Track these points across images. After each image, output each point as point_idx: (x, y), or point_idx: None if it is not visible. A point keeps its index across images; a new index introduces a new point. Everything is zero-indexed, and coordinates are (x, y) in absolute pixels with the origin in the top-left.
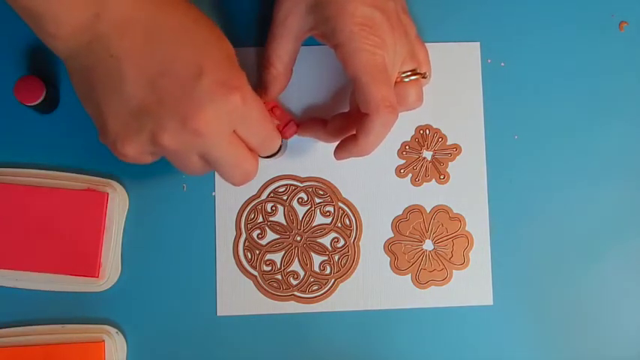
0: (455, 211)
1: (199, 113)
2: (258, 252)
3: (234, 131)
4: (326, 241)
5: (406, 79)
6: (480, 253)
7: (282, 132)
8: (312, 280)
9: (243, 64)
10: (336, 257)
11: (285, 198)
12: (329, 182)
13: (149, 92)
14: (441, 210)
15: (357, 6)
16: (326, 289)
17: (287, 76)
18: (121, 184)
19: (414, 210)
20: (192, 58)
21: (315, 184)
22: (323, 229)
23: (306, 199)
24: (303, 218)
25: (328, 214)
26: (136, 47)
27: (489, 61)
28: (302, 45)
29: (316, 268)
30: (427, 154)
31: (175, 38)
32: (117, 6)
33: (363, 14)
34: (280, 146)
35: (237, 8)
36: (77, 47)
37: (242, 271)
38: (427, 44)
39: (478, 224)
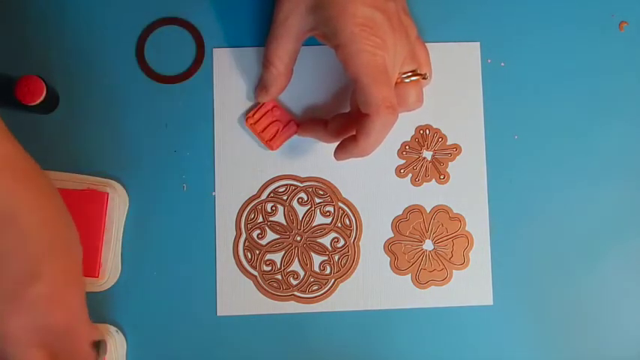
0: (455, 211)
1: (14, 315)
2: (258, 252)
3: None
4: (326, 241)
5: (407, 80)
6: (480, 253)
7: (282, 132)
8: (312, 280)
9: (243, 64)
10: (336, 257)
11: (285, 198)
12: (329, 182)
13: None
14: (441, 210)
15: (357, 7)
16: (326, 289)
17: (287, 76)
18: (121, 184)
19: (414, 210)
20: (36, 262)
21: (315, 184)
22: (323, 229)
23: (306, 199)
24: (303, 218)
25: (328, 214)
26: None
27: (489, 61)
28: (302, 45)
29: (316, 268)
30: (427, 154)
31: (30, 229)
32: None
33: (364, 15)
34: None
35: (237, 8)
36: None
37: (242, 271)
38: (427, 44)
39: (478, 224)
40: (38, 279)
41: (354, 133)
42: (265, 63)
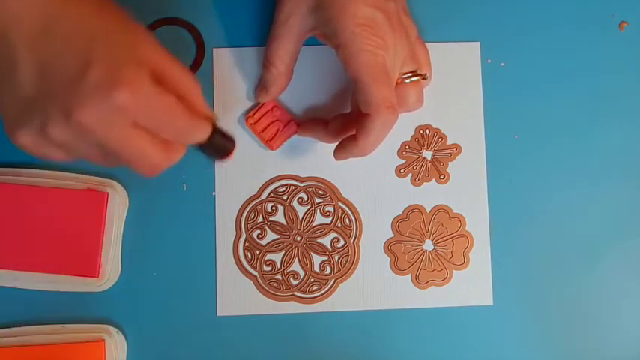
0: (455, 211)
1: (83, 108)
2: (258, 252)
3: (136, 123)
4: (326, 241)
5: (407, 80)
6: (480, 253)
7: (282, 132)
8: (312, 280)
9: (243, 64)
10: (336, 257)
11: (285, 198)
12: (329, 182)
13: (40, 82)
14: (441, 210)
15: (358, 7)
16: (326, 289)
17: (288, 77)
18: (121, 184)
19: (414, 210)
20: (83, 50)
21: (315, 184)
22: (323, 229)
23: (306, 199)
24: (303, 218)
25: (328, 214)
26: (31, 36)
27: (489, 61)
28: (303, 45)
29: (316, 268)
30: (427, 154)
31: (72, 28)
32: None
33: (365, 15)
34: (222, 144)
35: (237, 8)
36: None
37: (242, 271)
38: (427, 44)
39: (478, 224)
40: (91, 65)
41: (354, 133)
42: (266, 63)
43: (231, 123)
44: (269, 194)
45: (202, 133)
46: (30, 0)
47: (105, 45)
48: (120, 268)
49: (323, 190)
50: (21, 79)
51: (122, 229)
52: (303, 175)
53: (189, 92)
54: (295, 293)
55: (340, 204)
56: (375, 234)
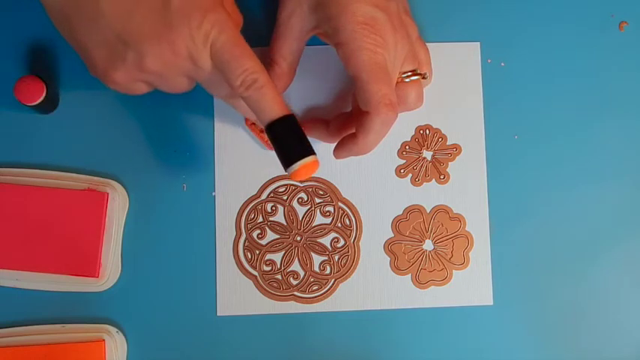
0: (455, 211)
1: (172, 35)
2: (258, 252)
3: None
4: (326, 241)
5: (407, 80)
6: (480, 253)
7: None
8: (312, 280)
9: None
10: (336, 257)
11: (285, 198)
12: (329, 182)
13: (126, 20)
14: (441, 210)
15: (359, 5)
16: (326, 289)
17: (290, 76)
18: (121, 184)
19: (414, 210)
20: None
21: (315, 184)
22: (323, 229)
23: (306, 199)
24: (303, 218)
25: (328, 214)
26: None
27: (489, 61)
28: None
29: (316, 268)
30: (427, 154)
31: None
32: None
33: (365, 13)
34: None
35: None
36: None
37: (242, 271)
38: (427, 44)
39: (478, 224)
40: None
41: (354, 131)
42: (269, 62)
43: (231, 123)
44: (269, 194)
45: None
46: None
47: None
48: (120, 268)
49: (323, 190)
50: (107, 21)
51: (122, 229)
52: None
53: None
54: (295, 293)
55: (340, 204)
56: (375, 234)
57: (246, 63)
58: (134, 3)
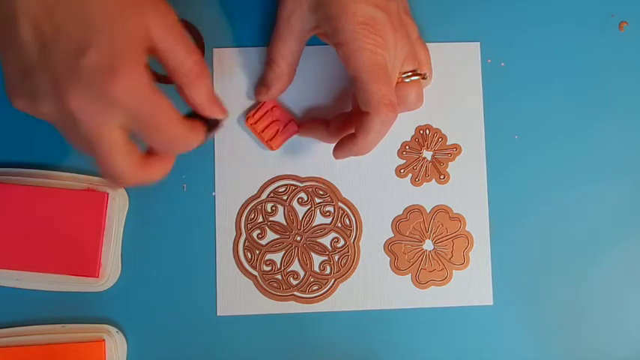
0: (455, 211)
1: (73, 90)
2: (258, 252)
3: (121, 124)
4: (326, 241)
5: (407, 80)
6: (480, 253)
7: (282, 131)
8: (312, 280)
9: (243, 64)
10: (336, 257)
11: (285, 198)
12: (329, 182)
13: (40, 55)
14: (441, 210)
15: (359, 5)
16: (326, 289)
17: (290, 76)
18: None
19: (414, 210)
20: (86, 30)
21: (315, 184)
22: (323, 229)
23: (306, 199)
24: (303, 218)
25: (328, 214)
26: (37, 8)
27: (489, 61)
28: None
29: (316, 268)
30: (427, 154)
31: (80, 5)
32: None
33: (365, 14)
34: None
35: (237, 8)
36: None
37: (242, 271)
38: (427, 44)
39: (478, 224)
40: (89, 48)
41: (354, 131)
42: (269, 62)
43: (231, 123)
44: (269, 194)
45: (192, 144)
46: None
47: (109, 27)
48: (120, 268)
49: (323, 190)
50: (22, 44)
51: (122, 229)
52: (303, 175)
53: (193, 82)
54: (295, 293)
55: (340, 204)
56: (375, 234)
57: (184, 141)
58: (53, 39)
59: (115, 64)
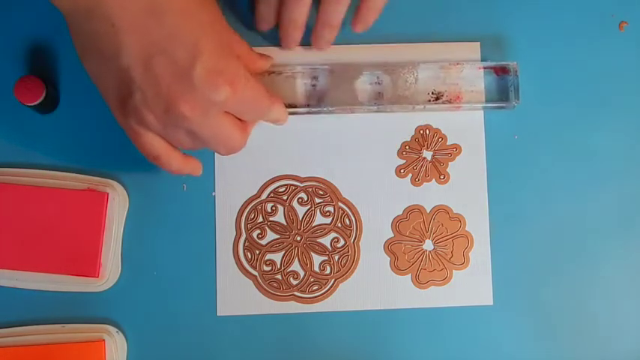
0: (455, 211)
1: (186, 99)
2: (258, 252)
3: (226, 111)
4: (326, 241)
5: None
6: (480, 253)
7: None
8: (312, 280)
9: None
10: (336, 257)
11: (285, 198)
12: (329, 182)
13: (143, 68)
14: (441, 210)
15: None
16: (326, 289)
17: None
18: (121, 184)
19: (414, 210)
20: (191, 41)
21: (315, 184)
22: (323, 229)
23: (306, 199)
24: (303, 218)
25: (328, 214)
26: (137, 21)
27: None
28: None
29: (316, 268)
30: (427, 154)
31: (177, 17)
32: None
33: None
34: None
35: (238, 8)
36: (76, 9)
37: (242, 271)
38: (427, 44)
39: (478, 224)
40: (199, 57)
41: None
42: None
43: None
44: (269, 194)
45: (281, 113)
46: None
47: (211, 38)
48: (120, 268)
49: (323, 190)
50: (125, 63)
51: (122, 229)
52: (303, 175)
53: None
54: (295, 293)
55: (340, 204)
56: (375, 234)
57: (273, 110)
58: (157, 51)
59: (223, 69)
